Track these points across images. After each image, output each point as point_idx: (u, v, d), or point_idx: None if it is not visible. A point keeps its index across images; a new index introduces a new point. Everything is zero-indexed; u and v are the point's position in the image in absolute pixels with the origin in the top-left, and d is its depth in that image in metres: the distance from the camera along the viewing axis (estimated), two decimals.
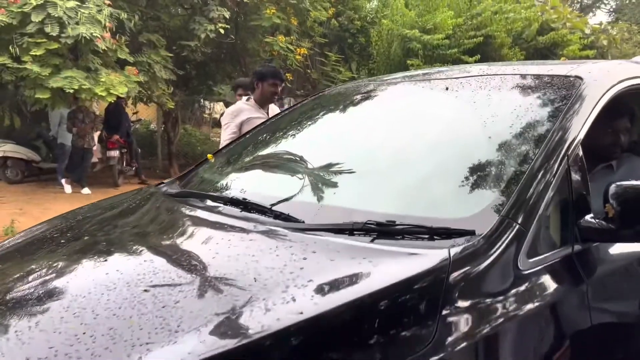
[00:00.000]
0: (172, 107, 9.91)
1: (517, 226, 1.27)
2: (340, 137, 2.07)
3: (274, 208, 1.56)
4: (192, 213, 1.72)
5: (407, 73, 2.51)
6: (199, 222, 1.65)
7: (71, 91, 7.48)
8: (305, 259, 1.25)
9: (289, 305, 1.06)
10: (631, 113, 2.17)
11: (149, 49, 8.94)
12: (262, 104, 3.82)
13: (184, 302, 1.14)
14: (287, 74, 9.18)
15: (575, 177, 1.45)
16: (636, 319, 1.55)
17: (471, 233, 1.26)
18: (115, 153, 9.65)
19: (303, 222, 1.46)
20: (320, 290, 1.10)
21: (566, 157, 1.45)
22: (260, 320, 1.02)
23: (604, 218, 1.39)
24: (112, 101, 8.26)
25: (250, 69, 9.32)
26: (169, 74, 9.10)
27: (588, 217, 1.43)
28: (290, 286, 1.13)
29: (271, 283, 1.15)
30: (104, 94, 7.66)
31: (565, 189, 1.42)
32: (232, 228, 1.51)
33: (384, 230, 1.32)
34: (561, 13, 11.36)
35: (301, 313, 1.02)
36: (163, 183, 2.27)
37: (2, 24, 7.23)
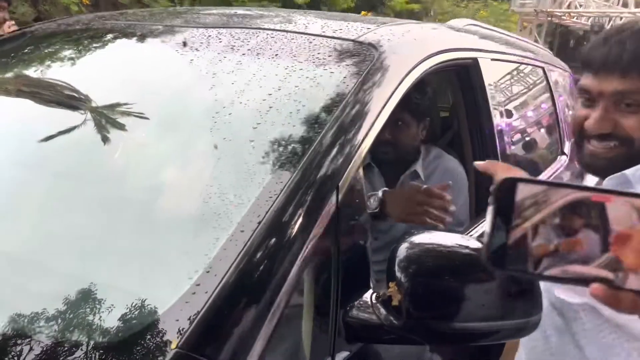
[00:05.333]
0: None
1: None
2: None
3: None
4: None
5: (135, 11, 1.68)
6: None
7: None
8: None
9: None
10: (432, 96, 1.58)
11: None
12: None
13: None
14: None
15: (346, 225, 0.85)
16: None
17: None
18: None
19: None
20: None
21: (335, 191, 0.83)
22: None
23: (386, 300, 0.82)
24: None
25: None
26: None
27: (368, 296, 0.85)
28: None
29: None
30: None
31: (325, 252, 0.80)
32: None
33: None
34: None
35: None
36: None
37: None
